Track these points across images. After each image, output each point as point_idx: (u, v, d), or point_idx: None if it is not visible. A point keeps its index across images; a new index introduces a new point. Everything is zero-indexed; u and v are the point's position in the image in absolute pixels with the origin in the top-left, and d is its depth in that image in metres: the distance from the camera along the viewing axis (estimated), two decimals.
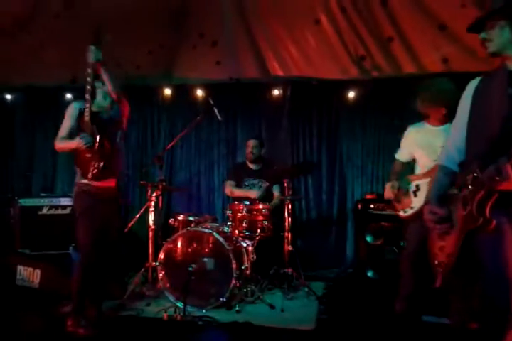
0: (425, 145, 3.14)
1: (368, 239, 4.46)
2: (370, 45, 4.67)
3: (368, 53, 4.72)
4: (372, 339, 3.11)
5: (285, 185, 4.19)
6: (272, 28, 4.74)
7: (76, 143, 3.04)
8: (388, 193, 3.22)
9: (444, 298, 2.84)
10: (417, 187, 3.14)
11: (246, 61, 5.06)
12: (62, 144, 3.18)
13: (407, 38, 4.51)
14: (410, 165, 3.37)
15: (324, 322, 3.39)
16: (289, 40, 4.81)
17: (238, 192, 4.53)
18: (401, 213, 3.22)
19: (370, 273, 4.41)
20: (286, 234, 4.09)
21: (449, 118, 3.06)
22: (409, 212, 3.14)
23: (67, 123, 3.19)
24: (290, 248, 4.07)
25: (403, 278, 3.14)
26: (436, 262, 2.05)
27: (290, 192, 4.18)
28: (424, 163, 3.17)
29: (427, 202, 2.13)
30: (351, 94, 5.12)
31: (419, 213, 3.02)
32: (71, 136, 3.14)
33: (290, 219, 4.12)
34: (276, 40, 4.84)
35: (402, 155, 3.37)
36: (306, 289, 3.99)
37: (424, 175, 3.12)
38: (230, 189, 4.63)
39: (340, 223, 5.08)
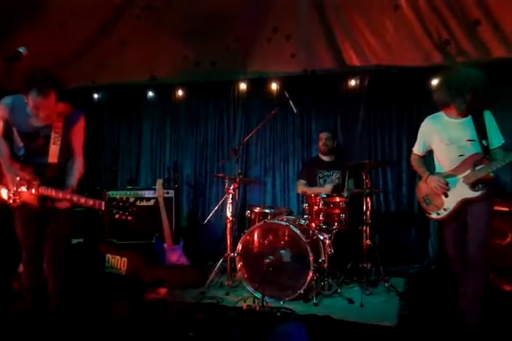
0: (449, 140, 2.94)
1: None
2: (455, 29, 4.40)
3: (452, 37, 4.46)
4: (455, 337, 2.94)
5: (363, 177, 4.08)
6: (348, 16, 4.62)
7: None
8: (433, 187, 2.97)
9: None
10: (446, 184, 2.94)
11: (321, 52, 4.98)
12: None
13: (497, 20, 4.20)
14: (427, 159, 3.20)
15: (406, 318, 3.28)
16: (367, 28, 4.65)
17: (310, 191, 4.49)
18: (433, 215, 3.05)
19: None
20: (364, 227, 3.99)
21: (470, 109, 2.87)
22: (444, 213, 2.97)
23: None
24: (369, 242, 3.97)
25: (457, 277, 3.07)
26: None
27: (368, 185, 4.07)
28: (447, 159, 2.98)
29: None
30: (434, 82, 4.85)
31: (454, 214, 2.92)
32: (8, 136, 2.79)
33: (369, 212, 4.01)
34: (353, 29, 4.71)
35: (419, 148, 3.19)
36: (386, 285, 3.87)
37: (453, 171, 2.93)
38: (302, 188, 4.63)
39: (421, 217, 4.83)
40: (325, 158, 4.72)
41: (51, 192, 2.67)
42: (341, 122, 5.25)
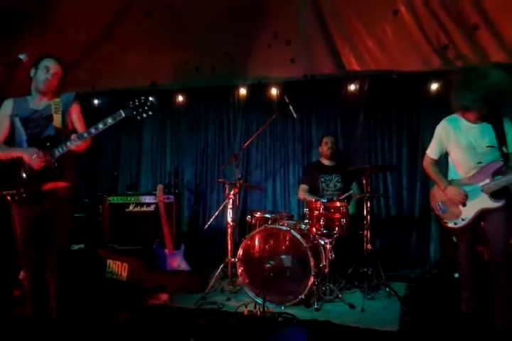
0: (467, 146, 2.85)
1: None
2: (454, 34, 4.44)
3: (451, 42, 4.49)
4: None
5: (363, 182, 4.08)
6: (347, 21, 4.65)
7: None
8: (453, 197, 2.89)
9: None
10: (465, 195, 2.87)
11: (321, 57, 5.01)
12: None
13: (495, 24, 4.23)
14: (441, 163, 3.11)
15: (408, 323, 3.26)
16: (366, 33, 4.69)
17: (309, 199, 4.50)
18: (450, 224, 2.97)
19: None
20: (365, 232, 3.99)
21: (488, 116, 2.77)
22: (462, 223, 2.91)
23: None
24: (369, 246, 3.96)
25: (463, 281, 3.08)
26: None
27: (368, 190, 4.07)
28: (464, 165, 2.91)
29: None
30: (434, 87, 4.88)
31: (471, 224, 2.87)
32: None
33: (369, 217, 4.00)
34: (352, 34, 4.74)
35: (435, 152, 3.07)
36: (387, 289, 3.86)
37: (470, 179, 2.87)
38: (303, 195, 4.65)
39: (422, 222, 4.85)
40: (326, 163, 4.73)
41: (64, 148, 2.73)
42: (341, 127, 5.26)
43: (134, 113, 2.74)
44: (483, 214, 2.85)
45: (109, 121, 2.72)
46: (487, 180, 2.80)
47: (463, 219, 2.89)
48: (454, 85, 2.86)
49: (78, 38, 5.10)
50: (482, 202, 2.81)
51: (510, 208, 2.82)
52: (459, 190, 2.88)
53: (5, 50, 4.87)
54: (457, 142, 2.91)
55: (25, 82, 2.89)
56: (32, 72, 2.84)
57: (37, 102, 2.88)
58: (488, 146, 2.80)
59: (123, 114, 2.72)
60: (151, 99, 2.75)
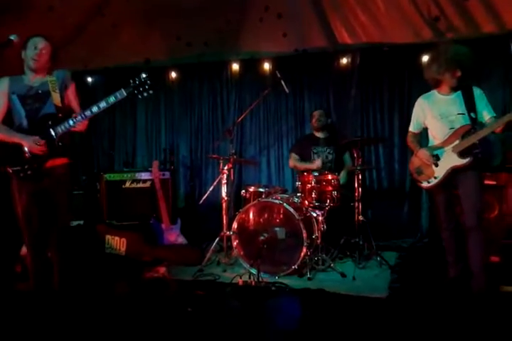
0: (440, 115, 3.12)
1: None
2: (445, 5, 4.42)
3: (442, 14, 4.47)
4: (445, 306, 3.07)
5: (354, 155, 4.15)
6: None
7: None
8: (422, 159, 3.19)
9: None
10: (437, 157, 3.13)
11: (312, 31, 4.99)
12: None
13: None
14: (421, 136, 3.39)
15: (397, 290, 3.39)
16: (357, 5, 4.66)
17: (300, 166, 4.63)
18: (424, 184, 3.24)
19: None
20: (356, 204, 4.08)
21: (460, 84, 3.06)
22: (434, 182, 3.16)
23: None
24: (361, 218, 4.06)
25: (446, 246, 3.27)
26: None
27: (360, 162, 4.14)
28: (439, 132, 3.15)
29: None
30: (425, 59, 4.86)
31: (444, 182, 3.11)
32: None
33: (360, 189, 4.09)
34: (343, 7, 4.71)
35: (414, 126, 3.38)
36: (378, 259, 3.99)
37: (443, 143, 3.11)
38: (293, 163, 4.77)
39: (414, 193, 4.94)
40: (318, 135, 4.79)
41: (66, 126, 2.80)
42: (334, 100, 5.29)
43: (135, 92, 2.79)
44: (454, 177, 3.07)
45: (111, 99, 2.78)
46: (457, 141, 3.04)
47: (435, 177, 3.15)
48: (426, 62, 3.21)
49: (68, 15, 5.05)
50: (451, 160, 3.06)
51: (479, 169, 3.05)
52: (426, 152, 3.17)
53: None
54: (432, 113, 3.19)
55: (18, 63, 2.93)
56: (22, 53, 2.89)
57: (31, 79, 2.93)
58: (459, 113, 3.07)
59: (124, 93, 2.78)
60: (145, 75, 2.79)
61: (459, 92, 3.09)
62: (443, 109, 3.12)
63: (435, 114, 3.15)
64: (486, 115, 3.05)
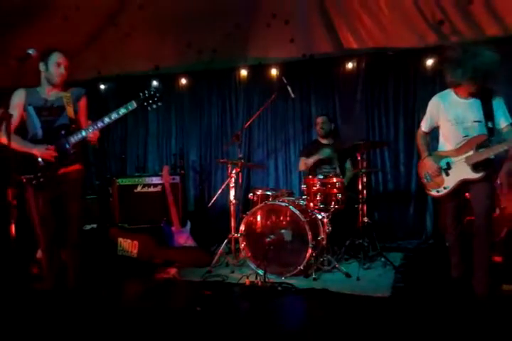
0: (455, 119, 2.99)
1: None
2: (449, 9, 4.49)
3: (446, 17, 4.54)
4: (447, 305, 3.12)
5: (358, 158, 4.22)
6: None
7: None
8: (428, 169, 3.13)
9: None
10: (448, 166, 3.05)
11: (319, 36, 5.10)
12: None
13: None
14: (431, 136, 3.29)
15: (400, 290, 3.45)
16: (363, 11, 4.76)
17: (311, 161, 4.71)
18: (433, 193, 3.18)
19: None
20: (360, 206, 4.15)
21: (479, 92, 2.91)
22: (443, 191, 3.09)
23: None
24: (366, 220, 4.13)
25: (450, 247, 3.25)
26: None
27: (364, 165, 4.21)
28: (452, 138, 3.04)
29: None
30: (429, 62, 4.94)
31: (453, 192, 3.05)
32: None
33: (365, 191, 4.16)
34: (349, 12, 4.81)
35: (426, 125, 3.24)
36: (383, 259, 4.05)
37: (456, 152, 3.01)
38: (304, 164, 4.86)
39: (419, 195, 4.99)
40: (323, 141, 4.89)
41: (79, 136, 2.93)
42: (340, 105, 5.38)
43: (145, 104, 2.93)
44: (466, 185, 3.01)
45: (122, 111, 2.92)
46: (471, 152, 2.94)
47: (444, 188, 3.08)
48: (447, 61, 2.98)
49: (82, 25, 5.23)
50: (463, 172, 2.97)
51: (491, 179, 2.99)
52: (433, 163, 3.09)
53: (10, 39, 5.07)
54: (446, 115, 3.05)
55: (34, 74, 3.05)
56: (42, 67, 3.02)
57: (47, 93, 3.06)
58: (475, 121, 2.94)
59: (135, 105, 2.91)
60: (155, 84, 2.92)
61: (478, 98, 2.93)
62: (459, 114, 2.97)
63: (450, 118, 3.01)
64: (503, 123, 2.93)
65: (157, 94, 2.92)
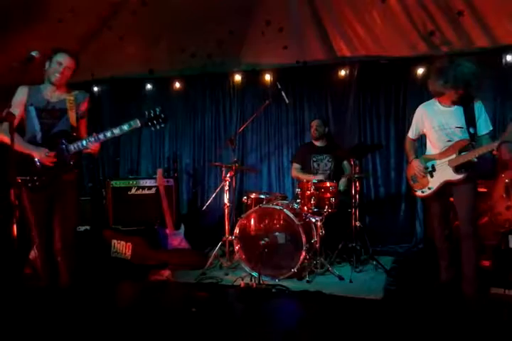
0: (438, 126, 3.19)
1: None
2: (440, 20, 4.60)
3: (437, 28, 4.66)
4: (437, 307, 3.21)
5: (351, 163, 4.32)
6: (337, 8, 4.80)
7: None
8: (415, 170, 3.32)
9: None
10: (433, 168, 3.24)
11: (312, 44, 5.19)
12: None
13: (479, 11, 4.37)
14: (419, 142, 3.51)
15: (392, 292, 3.54)
16: (356, 20, 4.85)
17: (302, 177, 4.76)
18: (418, 193, 3.37)
19: None
20: (353, 210, 4.24)
21: (461, 100, 3.08)
22: (427, 192, 3.29)
23: None
24: (358, 224, 4.22)
25: (439, 251, 3.37)
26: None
27: (357, 170, 4.31)
28: (437, 144, 3.24)
29: None
30: (420, 71, 5.06)
31: (437, 192, 3.23)
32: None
33: (358, 196, 4.25)
34: (342, 21, 4.90)
35: (412, 133, 3.46)
36: (375, 263, 4.13)
37: (440, 155, 3.21)
38: (295, 173, 4.96)
39: (409, 200, 5.11)
40: (317, 143, 4.98)
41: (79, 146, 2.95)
42: (332, 110, 5.48)
43: (149, 123, 2.96)
44: (449, 187, 3.19)
45: (125, 127, 2.95)
46: (453, 155, 3.13)
47: (429, 188, 3.28)
48: (432, 72, 3.19)
49: (76, 28, 5.24)
50: (446, 174, 3.16)
51: (474, 181, 3.16)
52: (419, 163, 3.30)
53: (9, 42, 5.06)
54: (430, 123, 3.26)
55: (39, 74, 3.06)
56: (46, 65, 3.03)
57: (50, 94, 3.05)
58: (457, 127, 3.14)
59: (139, 123, 2.94)
60: (159, 109, 2.96)
61: (460, 106, 3.12)
62: (442, 121, 3.16)
63: (434, 125, 3.20)
64: (484, 129, 3.10)
65: (162, 116, 2.95)
